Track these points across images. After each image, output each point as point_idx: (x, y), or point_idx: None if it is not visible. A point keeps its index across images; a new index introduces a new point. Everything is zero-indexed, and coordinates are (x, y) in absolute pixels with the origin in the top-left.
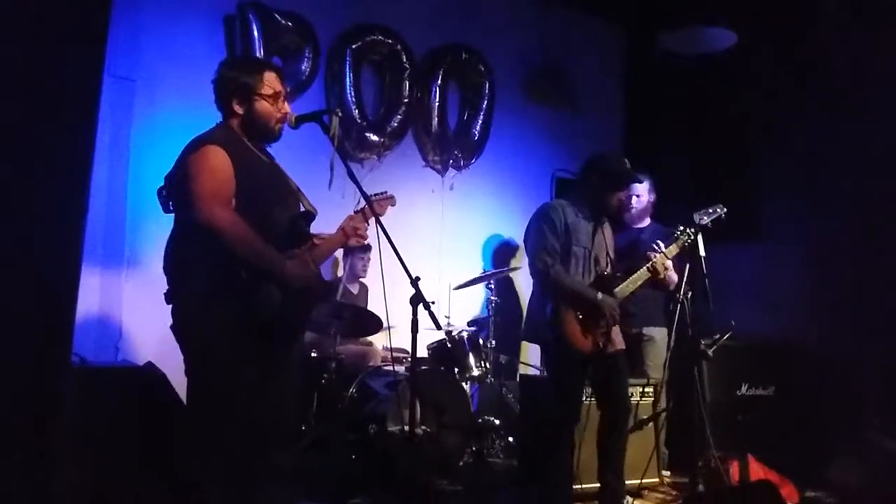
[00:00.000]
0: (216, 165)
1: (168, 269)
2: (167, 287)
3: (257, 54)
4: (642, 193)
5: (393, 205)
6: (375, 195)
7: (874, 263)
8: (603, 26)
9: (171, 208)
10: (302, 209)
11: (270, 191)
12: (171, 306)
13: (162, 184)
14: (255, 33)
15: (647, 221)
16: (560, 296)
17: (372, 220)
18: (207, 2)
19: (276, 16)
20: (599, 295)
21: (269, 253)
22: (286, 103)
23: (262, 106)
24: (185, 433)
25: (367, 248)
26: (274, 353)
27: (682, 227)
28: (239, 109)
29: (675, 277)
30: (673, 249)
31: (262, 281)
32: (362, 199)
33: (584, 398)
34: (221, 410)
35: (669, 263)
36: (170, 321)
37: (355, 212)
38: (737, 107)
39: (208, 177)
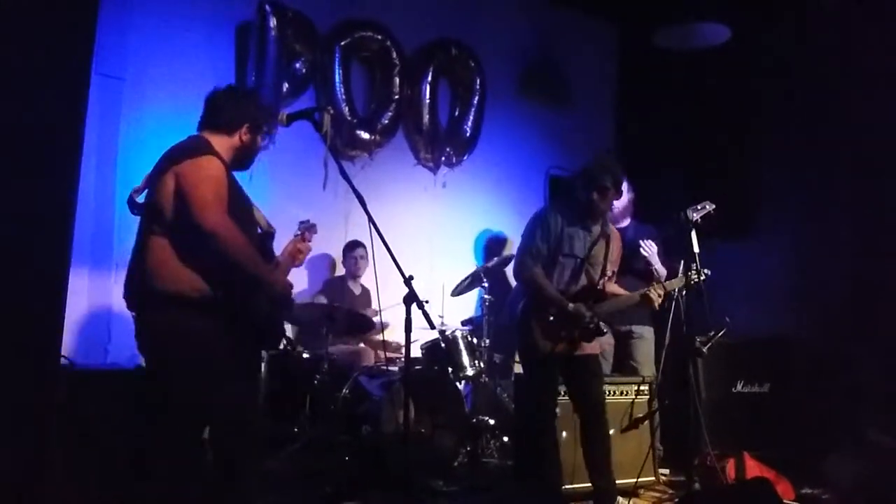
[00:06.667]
0: (220, 176)
1: (151, 276)
2: (145, 295)
3: (271, 56)
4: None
5: (315, 233)
6: (301, 222)
7: (869, 259)
8: (596, 21)
9: (140, 212)
10: (260, 230)
11: (246, 209)
12: (149, 314)
13: (137, 185)
14: (272, 34)
15: (627, 220)
16: (532, 296)
17: (365, 220)
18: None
19: (289, 15)
20: (571, 305)
21: (261, 261)
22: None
23: (257, 141)
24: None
25: (356, 244)
26: (258, 356)
27: (694, 267)
28: (245, 138)
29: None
30: (676, 283)
31: (255, 286)
32: (304, 221)
33: (558, 395)
34: (217, 413)
35: (662, 292)
36: None
37: (295, 235)
38: (731, 103)
39: (215, 185)
